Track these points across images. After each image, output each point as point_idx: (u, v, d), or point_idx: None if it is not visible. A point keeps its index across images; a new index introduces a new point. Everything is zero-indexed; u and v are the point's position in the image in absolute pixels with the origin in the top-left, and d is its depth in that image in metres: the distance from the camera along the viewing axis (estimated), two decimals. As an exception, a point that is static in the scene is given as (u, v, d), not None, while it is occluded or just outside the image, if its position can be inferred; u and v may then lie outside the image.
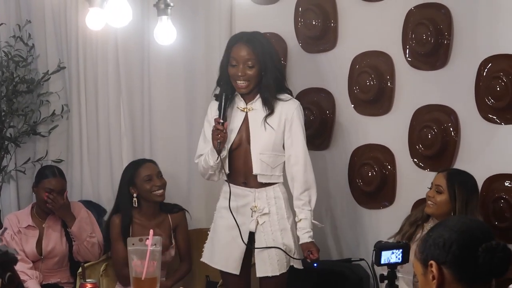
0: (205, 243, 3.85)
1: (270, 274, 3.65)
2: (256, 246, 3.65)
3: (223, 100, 3.63)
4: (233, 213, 3.64)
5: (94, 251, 4.20)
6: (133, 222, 4.07)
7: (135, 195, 4.08)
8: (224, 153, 3.65)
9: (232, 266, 3.69)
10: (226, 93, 3.66)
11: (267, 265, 3.66)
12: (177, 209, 4.23)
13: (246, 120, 3.70)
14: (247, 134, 3.69)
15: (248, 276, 3.77)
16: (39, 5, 4.79)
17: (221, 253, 3.73)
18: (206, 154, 3.71)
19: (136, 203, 4.09)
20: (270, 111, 3.67)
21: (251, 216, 3.67)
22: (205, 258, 3.82)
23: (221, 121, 3.60)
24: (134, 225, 4.07)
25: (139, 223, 4.09)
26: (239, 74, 3.63)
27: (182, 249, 4.19)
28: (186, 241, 4.21)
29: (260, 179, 3.67)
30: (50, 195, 4.16)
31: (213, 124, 3.65)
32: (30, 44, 4.83)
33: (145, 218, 4.09)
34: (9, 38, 4.79)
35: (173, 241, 4.16)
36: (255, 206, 3.66)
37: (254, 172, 3.66)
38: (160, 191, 4.08)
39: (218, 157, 3.62)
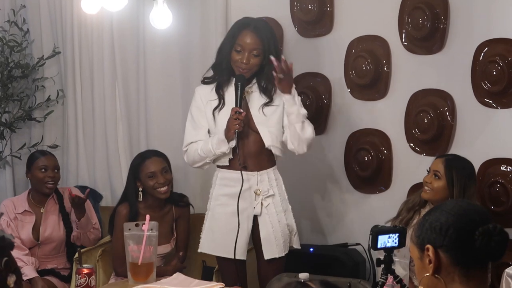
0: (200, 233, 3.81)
1: (277, 256, 3.67)
2: (261, 229, 3.65)
3: (239, 89, 3.60)
4: (234, 199, 3.63)
5: (94, 240, 4.20)
6: (139, 213, 4.02)
7: (140, 188, 4.03)
8: (234, 141, 3.63)
9: (239, 252, 3.66)
10: (222, 76, 3.65)
11: (274, 247, 3.67)
12: (183, 204, 4.16)
13: (245, 103, 3.69)
14: (249, 116, 3.67)
15: (245, 260, 3.77)
16: (33, -10, 4.78)
17: (225, 241, 3.68)
18: (207, 142, 3.66)
19: (141, 197, 4.03)
20: (269, 100, 3.67)
21: (255, 200, 3.66)
22: (205, 248, 3.76)
23: (240, 110, 3.57)
24: (139, 216, 4.01)
25: (144, 214, 4.05)
26: (244, 61, 3.62)
27: (180, 240, 4.16)
28: (186, 232, 4.17)
29: (275, 151, 3.66)
30: (49, 172, 4.17)
31: (203, 110, 3.66)
32: (25, 29, 4.81)
33: (151, 210, 4.01)
34: (4, 23, 4.78)
35: (175, 233, 4.13)
36: (259, 189, 3.66)
37: (267, 144, 3.64)
38: (164, 188, 3.99)
39: (228, 148, 3.60)
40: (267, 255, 3.67)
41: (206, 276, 4.13)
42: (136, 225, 3.55)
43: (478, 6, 3.86)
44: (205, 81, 3.77)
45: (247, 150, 3.67)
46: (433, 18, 3.94)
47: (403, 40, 4.07)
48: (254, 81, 3.70)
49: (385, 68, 4.15)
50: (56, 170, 4.26)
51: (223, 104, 3.69)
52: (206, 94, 3.73)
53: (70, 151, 4.78)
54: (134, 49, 4.64)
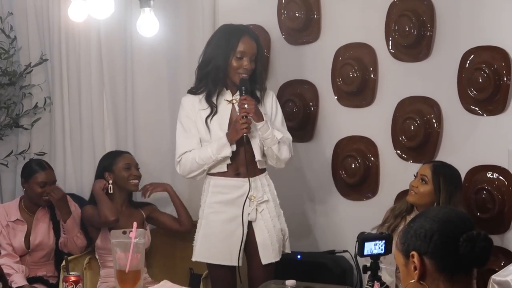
0: (193, 242, 3.80)
1: (273, 260, 3.70)
2: (257, 235, 3.68)
3: (243, 94, 3.62)
4: (228, 206, 3.66)
5: (81, 245, 4.18)
6: None
7: (110, 181, 4.11)
8: (234, 145, 3.66)
9: (235, 258, 3.68)
10: (214, 85, 3.67)
11: (270, 252, 3.70)
12: (147, 203, 4.28)
13: (234, 112, 3.70)
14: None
15: (235, 267, 3.77)
16: (21, -3, 4.77)
17: (221, 248, 3.69)
18: (205, 150, 3.65)
19: (111, 190, 4.11)
20: (257, 102, 3.69)
21: (249, 206, 3.67)
22: (200, 256, 3.76)
23: (249, 116, 3.60)
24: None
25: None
26: (248, 67, 3.65)
27: (169, 219, 4.25)
28: (166, 215, 4.27)
29: (260, 165, 3.70)
30: (47, 188, 4.16)
31: (194, 119, 3.67)
32: (12, 36, 4.79)
33: (118, 206, 4.12)
34: (-9, 31, 4.76)
35: (147, 228, 4.18)
36: (253, 195, 3.67)
37: (257, 158, 3.67)
38: (136, 181, 4.13)
39: (231, 151, 3.62)
40: (264, 260, 3.69)
41: (193, 283, 4.13)
42: (123, 232, 3.54)
43: (464, 14, 3.89)
44: (193, 91, 3.76)
45: (240, 157, 3.68)
46: (419, 25, 3.96)
47: (390, 47, 4.09)
48: (243, 89, 3.71)
49: (372, 76, 4.17)
50: (54, 184, 4.25)
51: (216, 111, 3.69)
52: (195, 104, 3.73)
53: (57, 158, 4.76)
54: (122, 56, 4.63)
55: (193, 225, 4.14)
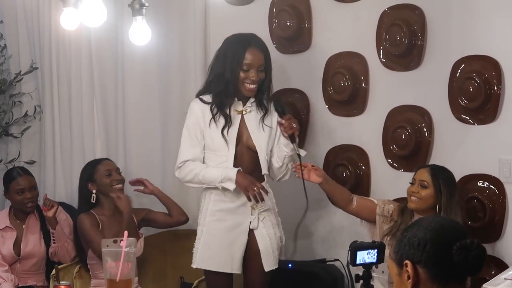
0: (193, 248, 3.80)
1: (274, 267, 3.74)
2: (259, 242, 3.71)
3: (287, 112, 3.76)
4: (230, 214, 3.70)
5: (72, 252, 4.16)
6: (100, 220, 4.09)
7: (94, 191, 4.11)
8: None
9: (236, 266, 3.72)
10: (226, 98, 3.68)
11: (271, 259, 3.74)
12: (138, 208, 4.27)
13: (242, 122, 3.73)
14: (246, 135, 3.73)
15: (232, 275, 3.79)
16: (11, 5, 4.76)
17: (223, 255, 3.71)
18: (211, 172, 3.67)
19: (95, 199, 4.11)
20: (265, 111, 3.74)
21: (251, 214, 3.70)
22: (201, 264, 3.76)
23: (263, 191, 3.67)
24: (101, 222, 4.09)
25: (105, 219, 4.10)
26: (254, 78, 3.66)
27: (162, 215, 4.27)
28: (160, 212, 4.27)
29: (267, 178, 3.77)
30: (27, 194, 4.15)
31: (203, 126, 3.68)
32: (2, 45, 4.79)
33: (109, 214, 4.12)
34: (-19, 39, 4.75)
35: (140, 235, 4.16)
36: (255, 204, 3.69)
37: (263, 172, 3.73)
38: (120, 185, 4.12)
39: (234, 188, 3.67)
40: (267, 267, 3.72)
41: (184, 292, 4.12)
42: (114, 241, 3.52)
43: (455, 23, 3.90)
44: (204, 100, 3.74)
45: (243, 167, 3.69)
46: (410, 35, 3.97)
47: (381, 56, 4.10)
48: (252, 99, 3.74)
49: (363, 85, 4.18)
50: (33, 189, 4.24)
51: (231, 123, 3.70)
52: (205, 111, 3.72)
53: (47, 167, 4.75)
54: (112, 64, 4.63)
55: (185, 217, 4.22)
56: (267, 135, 3.75)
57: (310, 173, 3.76)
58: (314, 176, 3.77)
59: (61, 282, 3.36)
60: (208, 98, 3.73)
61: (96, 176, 4.12)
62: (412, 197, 3.62)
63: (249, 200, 3.64)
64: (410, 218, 3.67)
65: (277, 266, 3.76)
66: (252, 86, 3.67)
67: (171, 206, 4.26)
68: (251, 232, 3.73)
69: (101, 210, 4.12)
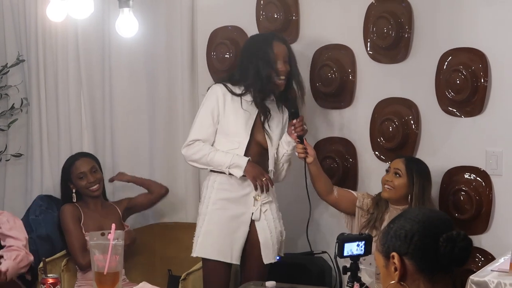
0: (193, 238, 3.81)
1: (272, 261, 3.77)
2: (259, 234, 3.73)
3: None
4: (233, 203, 3.73)
5: (25, 263, 3.91)
6: (83, 212, 4.10)
7: (74, 190, 4.13)
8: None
9: (236, 256, 3.74)
10: (261, 93, 3.72)
11: (271, 252, 3.76)
12: (120, 199, 4.31)
13: (258, 118, 3.76)
14: (259, 129, 3.76)
15: (231, 265, 3.81)
16: (-3, -3, 4.73)
17: (223, 244, 3.73)
18: (221, 157, 3.69)
19: (75, 198, 4.12)
20: (293, 110, 3.79)
21: (254, 205, 3.72)
22: (200, 252, 3.77)
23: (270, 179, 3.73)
24: (84, 214, 4.10)
25: (88, 212, 4.11)
26: (284, 68, 3.71)
27: (143, 196, 4.30)
28: (140, 194, 4.31)
29: (272, 175, 3.78)
30: None
31: (221, 109, 3.71)
32: (-12, 37, 4.76)
33: (93, 207, 4.13)
34: (-34, 31, 4.72)
35: (126, 227, 4.17)
36: (258, 195, 3.70)
37: (270, 168, 3.77)
38: (95, 186, 4.11)
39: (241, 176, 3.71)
40: (266, 260, 3.75)
41: (172, 285, 4.11)
42: (102, 234, 3.52)
43: (442, 16, 3.91)
44: (229, 89, 3.75)
45: (251, 157, 3.71)
46: (397, 27, 3.98)
47: (368, 49, 4.10)
48: (272, 97, 3.79)
49: (350, 77, 4.18)
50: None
51: (270, 115, 3.78)
52: (228, 97, 3.74)
53: (34, 159, 4.72)
54: (100, 57, 4.61)
55: (165, 188, 4.28)
56: (279, 133, 3.81)
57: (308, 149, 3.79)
58: (310, 150, 3.80)
59: (48, 275, 3.34)
60: (232, 88, 3.75)
61: (72, 177, 4.13)
62: (386, 186, 3.70)
63: (256, 189, 3.67)
64: (385, 208, 3.72)
65: (275, 260, 3.77)
66: (282, 81, 3.71)
67: (148, 184, 4.31)
68: (252, 223, 3.74)
69: (84, 203, 4.14)
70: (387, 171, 3.73)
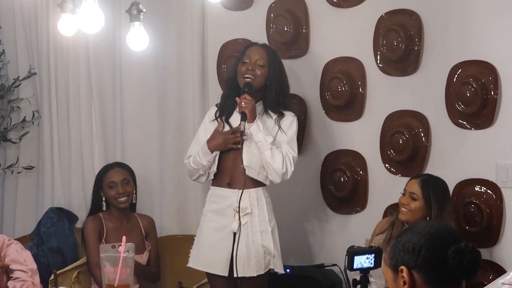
0: (190, 248, 3.85)
1: (247, 275, 3.69)
2: (238, 247, 3.67)
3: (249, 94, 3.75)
4: (217, 215, 3.74)
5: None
6: (106, 225, 4.10)
7: (104, 198, 4.15)
8: (217, 152, 3.74)
9: (219, 267, 3.72)
10: (228, 102, 3.81)
11: (246, 266, 3.70)
12: (147, 216, 4.29)
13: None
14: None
15: (235, 278, 3.76)
16: (9, 10, 4.75)
17: (208, 255, 3.75)
18: (195, 154, 3.78)
19: (105, 207, 4.14)
20: (280, 116, 3.79)
21: (234, 217, 3.70)
22: (192, 263, 3.83)
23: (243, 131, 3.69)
24: (107, 228, 4.10)
25: (112, 226, 4.11)
26: (249, 68, 3.75)
27: (151, 256, 4.19)
28: (155, 248, 4.23)
29: (248, 172, 3.69)
30: None
31: (209, 129, 3.81)
32: (0, 50, 4.79)
33: (117, 221, 4.14)
34: (-21, 44, 4.75)
35: (148, 245, 4.17)
36: (238, 207, 3.68)
37: (245, 163, 3.68)
38: (122, 198, 4.12)
39: (212, 157, 3.75)
40: (239, 273, 3.68)
41: (183, 297, 4.11)
42: (113, 246, 3.53)
43: (452, 28, 3.91)
44: (216, 105, 3.91)
45: (235, 166, 3.73)
46: (407, 40, 3.98)
47: (378, 61, 4.11)
48: (262, 109, 3.79)
49: (360, 90, 4.18)
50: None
51: (228, 113, 3.84)
52: (212, 115, 3.88)
53: (46, 172, 4.74)
54: (110, 70, 4.63)
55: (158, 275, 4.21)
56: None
57: None
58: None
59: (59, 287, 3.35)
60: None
61: (103, 185, 4.16)
62: (403, 209, 3.64)
63: (237, 145, 3.69)
64: (401, 228, 3.66)
65: (253, 275, 3.68)
66: (247, 77, 3.73)
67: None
68: (235, 235, 3.71)
69: (109, 215, 4.15)
70: (403, 194, 3.67)
